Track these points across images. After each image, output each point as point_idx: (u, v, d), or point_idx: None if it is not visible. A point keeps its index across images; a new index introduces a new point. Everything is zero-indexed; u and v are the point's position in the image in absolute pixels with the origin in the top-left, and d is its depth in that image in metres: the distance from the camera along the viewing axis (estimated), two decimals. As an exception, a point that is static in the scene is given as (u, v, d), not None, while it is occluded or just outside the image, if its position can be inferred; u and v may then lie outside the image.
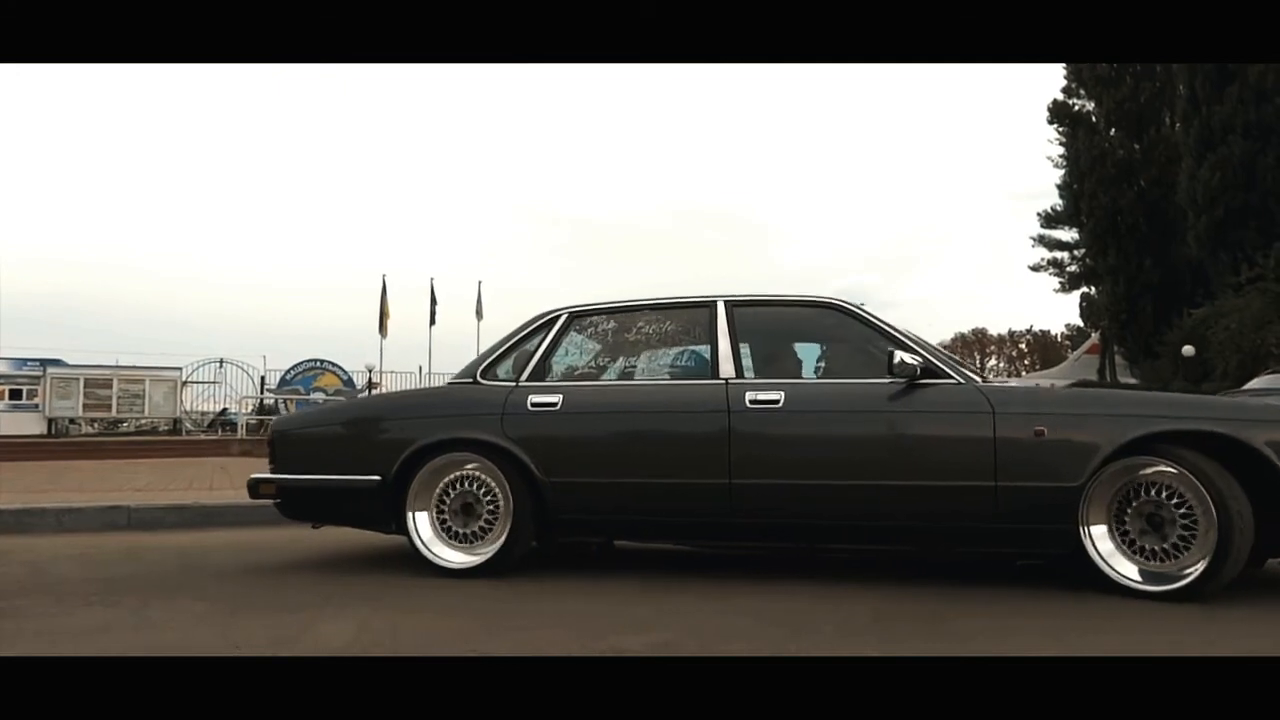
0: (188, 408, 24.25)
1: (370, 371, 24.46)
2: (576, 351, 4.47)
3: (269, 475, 4.53)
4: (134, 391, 23.01)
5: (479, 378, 4.38)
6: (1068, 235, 26.92)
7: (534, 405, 4.14)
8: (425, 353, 26.60)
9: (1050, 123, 25.37)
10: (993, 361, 75.21)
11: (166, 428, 23.27)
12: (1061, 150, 25.28)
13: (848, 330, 4.15)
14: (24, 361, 22.96)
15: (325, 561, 4.59)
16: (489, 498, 4.11)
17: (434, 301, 27.43)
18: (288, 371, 24.15)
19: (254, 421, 23.18)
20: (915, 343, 3.92)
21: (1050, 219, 27.14)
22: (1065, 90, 25.02)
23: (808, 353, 4.51)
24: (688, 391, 4.11)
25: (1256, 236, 17.60)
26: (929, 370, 3.76)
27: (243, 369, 24.54)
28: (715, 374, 4.03)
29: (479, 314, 27.79)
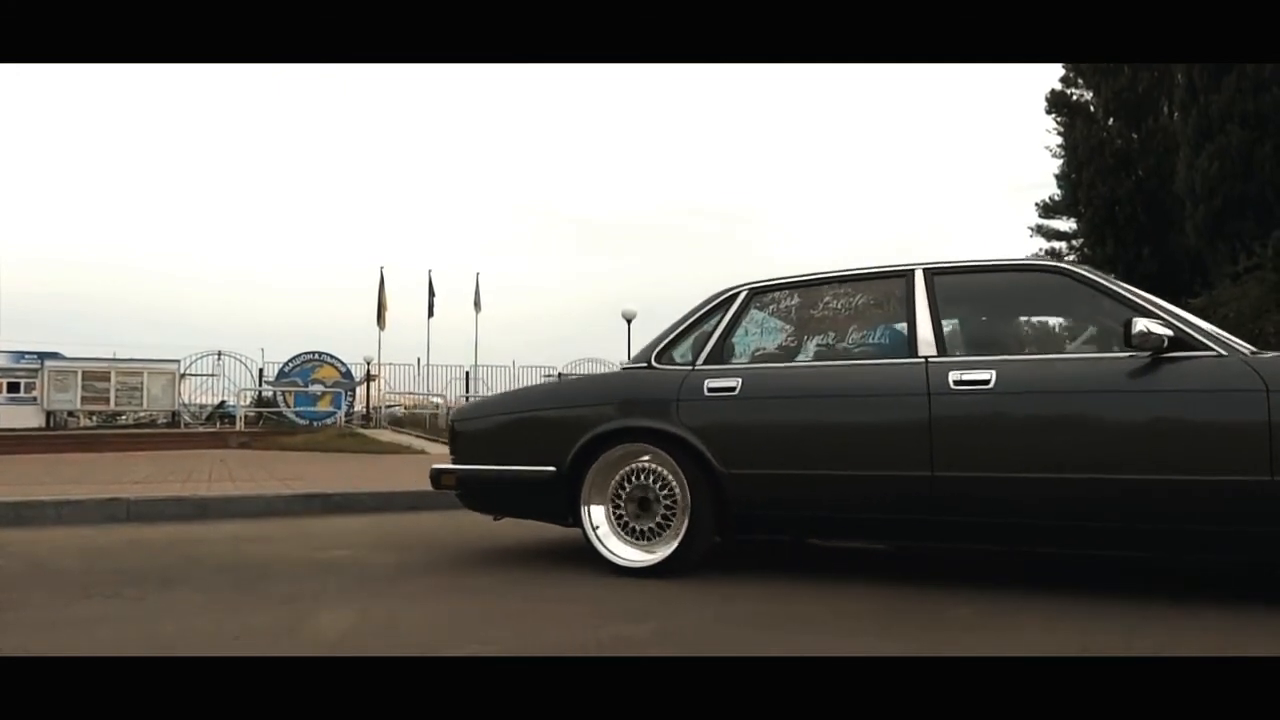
0: (186, 400, 24.24)
1: (369, 364, 24.49)
2: (757, 331, 4.11)
3: (449, 466, 4.45)
4: (132, 384, 23.00)
5: (654, 361, 4.13)
6: (1066, 225, 26.87)
7: (711, 390, 3.84)
8: (424, 345, 26.60)
9: (1048, 113, 25.34)
10: (991, 352, 75.19)
11: (165, 420, 23.27)
12: (1059, 140, 25.24)
13: (1073, 297, 3.64)
14: (22, 354, 22.95)
15: (325, 550, 4.59)
16: (665, 491, 3.84)
17: (432, 294, 27.39)
18: (286, 364, 24.12)
19: (252, 414, 23.18)
20: (1161, 309, 3.33)
21: (1048, 209, 27.07)
22: (1063, 80, 24.97)
23: (1022, 326, 3.98)
24: (881, 373, 3.66)
25: (1254, 226, 17.56)
26: (1181, 341, 3.16)
27: (241, 361, 24.56)
28: (913, 352, 3.59)
29: (477, 306, 27.77)
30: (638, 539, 3.89)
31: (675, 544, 3.77)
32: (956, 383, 3.43)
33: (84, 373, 22.75)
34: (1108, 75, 23.31)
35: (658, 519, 3.85)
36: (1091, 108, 24.11)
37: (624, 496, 3.94)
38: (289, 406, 23.76)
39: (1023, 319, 3.94)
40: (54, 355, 23.14)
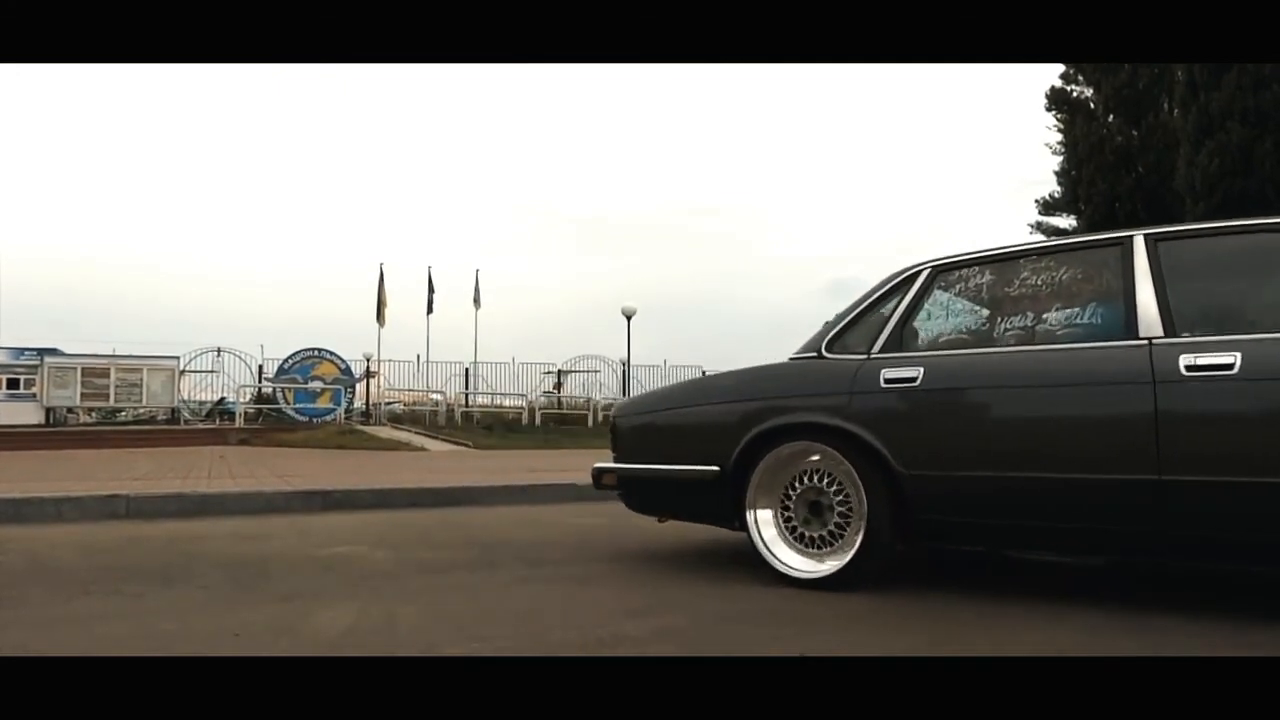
0: (185, 397, 24.27)
1: (368, 360, 24.49)
2: (942, 313, 3.66)
3: (610, 465, 4.26)
4: (131, 381, 23.02)
5: (824, 350, 3.76)
6: (1066, 222, 26.83)
7: (888, 381, 3.45)
8: (423, 342, 26.60)
9: (1048, 109, 25.33)
10: (991, 349, 75.27)
11: (164, 417, 23.29)
12: (1059, 137, 25.23)
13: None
14: (21, 351, 22.96)
15: (325, 548, 4.59)
16: (840, 495, 3.48)
17: (431, 291, 27.38)
18: (285, 360, 24.14)
19: (252, 410, 23.19)
20: None
21: (1048, 206, 27.04)
22: (1063, 77, 24.96)
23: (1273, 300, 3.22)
24: (1092, 358, 3.16)
25: (1254, 224, 17.60)
26: None
27: (240, 358, 24.56)
28: (1133, 332, 3.09)
29: (477, 303, 27.76)
30: (809, 546, 3.55)
31: (850, 554, 3.39)
32: (1189, 368, 2.92)
33: (83, 369, 22.77)
34: (1108, 72, 23.31)
35: (831, 525, 3.50)
36: (1092, 105, 24.12)
37: (794, 499, 3.61)
38: (289, 403, 23.77)
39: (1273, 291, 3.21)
40: (53, 352, 23.16)
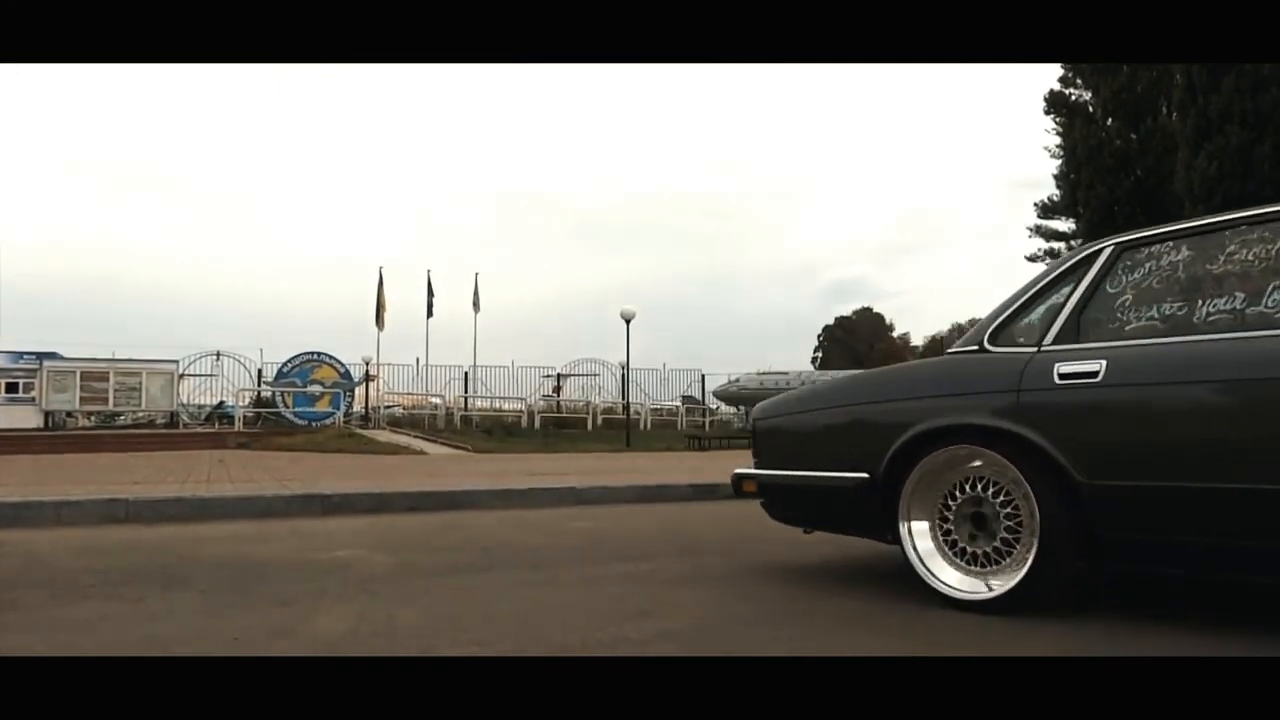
0: (185, 400, 24.26)
1: (368, 364, 24.49)
2: (1128, 298, 3.16)
3: (750, 471, 3.95)
4: (130, 384, 22.99)
5: (987, 343, 3.35)
6: (1065, 225, 26.90)
7: (1063, 376, 3.02)
8: (423, 345, 26.60)
9: (1047, 113, 25.40)
10: (990, 352, 75.30)
11: (163, 421, 23.27)
12: (1058, 140, 25.30)
13: None
14: (20, 355, 22.94)
15: (324, 551, 4.58)
16: (1008, 506, 3.08)
17: (430, 293, 27.40)
18: (284, 364, 24.15)
19: (251, 414, 23.18)
20: None
21: (1047, 209, 27.12)
22: (1062, 80, 25.02)
23: None
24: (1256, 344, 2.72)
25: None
26: None
27: (239, 361, 24.58)
28: None
29: (476, 306, 27.78)
30: (972, 564, 3.17)
31: (1020, 574, 2.98)
32: None
33: (82, 373, 22.74)
34: (1106, 75, 23.36)
35: (997, 541, 3.10)
36: (1090, 108, 24.18)
37: (953, 511, 3.23)
38: (288, 407, 23.77)
39: None
40: (52, 355, 23.13)
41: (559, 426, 23.58)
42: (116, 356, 23.75)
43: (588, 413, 25.32)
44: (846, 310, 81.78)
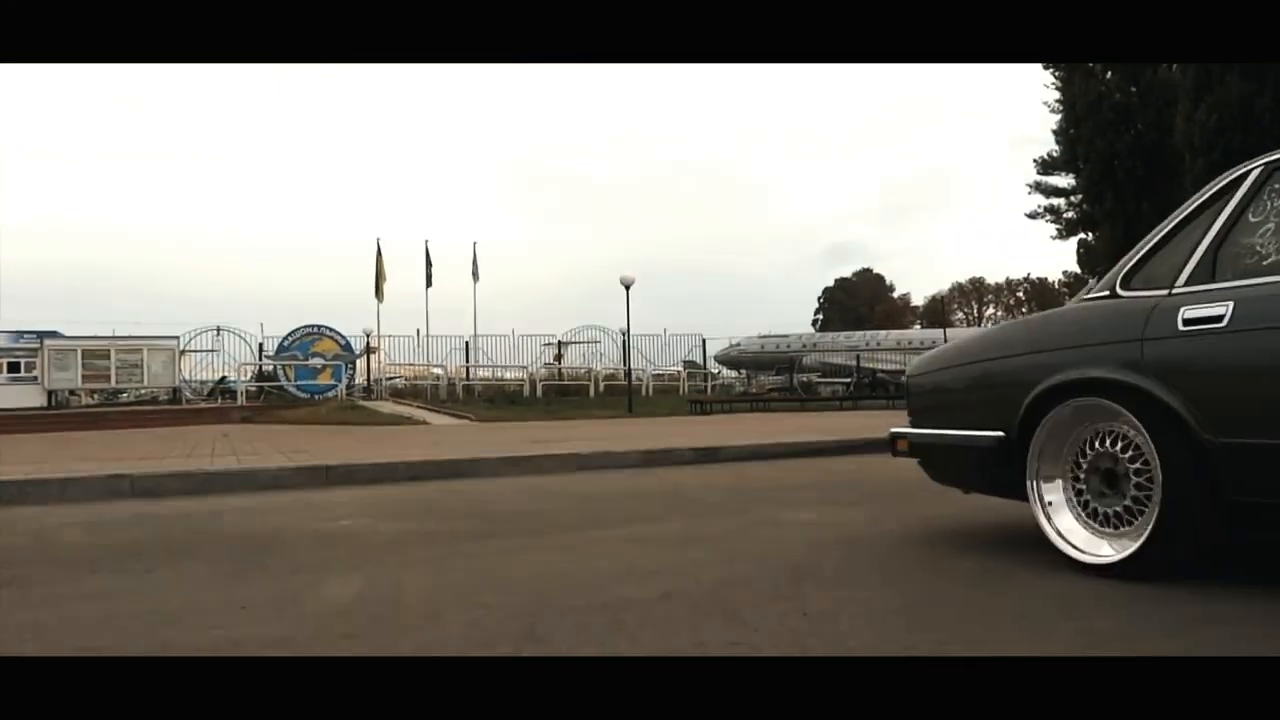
0: (186, 376, 24.28)
1: (368, 336, 24.48)
2: (1271, 227, 2.76)
3: (904, 429, 3.87)
4: (132, 361, 23.00)
5: (1118, 287, 3.10)
6: (1064, 181, 26.76)
7: (1187, 322, 2.74)
8: (423, 316, 26.59)
9: (1046, 67, 25.13)
10: (990, 310, 75.36)
11: (166, 397, 23.30)
12: (1058, 95, 25.07)
13: None
14: (20, 334, 22.94)
15: (330, 521, 4.61)
16: (1138, 463, 2.87)
17: (429, 264, 27.32)
18: (285, 338, 24.14)
19: (253, 389, 23.22)
20: None
21: (1047, 165, 26.96)
22: (1061, 34, 24.73)
23: None
24: None
25: (1253, 178, 17.54)
26: None
27: (240, 336, 24.56)
28: None
29: (475, 276, 27.72)
30: (1103, 525, 2.98)
31: (1142, 537, 2.80)
32: None
33: (84, 351, 22.75)
34: (1106, 28, 23.12)
35: (1128, 500, 2.90)
36: (1089, 63, 23.89)
37: (1084, 468, 3.06)
38: (290, 380, 23.80)
39: None
40: (53, 334, 23.14)
41: (561, 394, 23.62)
42: (117, 334, 23.76)
43: (590, 380, 25.34)
44: (846, 272, 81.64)
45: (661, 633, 2.39)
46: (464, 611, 2.67)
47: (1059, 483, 3.13)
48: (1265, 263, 2.71)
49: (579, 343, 27.53)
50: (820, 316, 76.76)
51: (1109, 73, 23.33)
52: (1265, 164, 2.86)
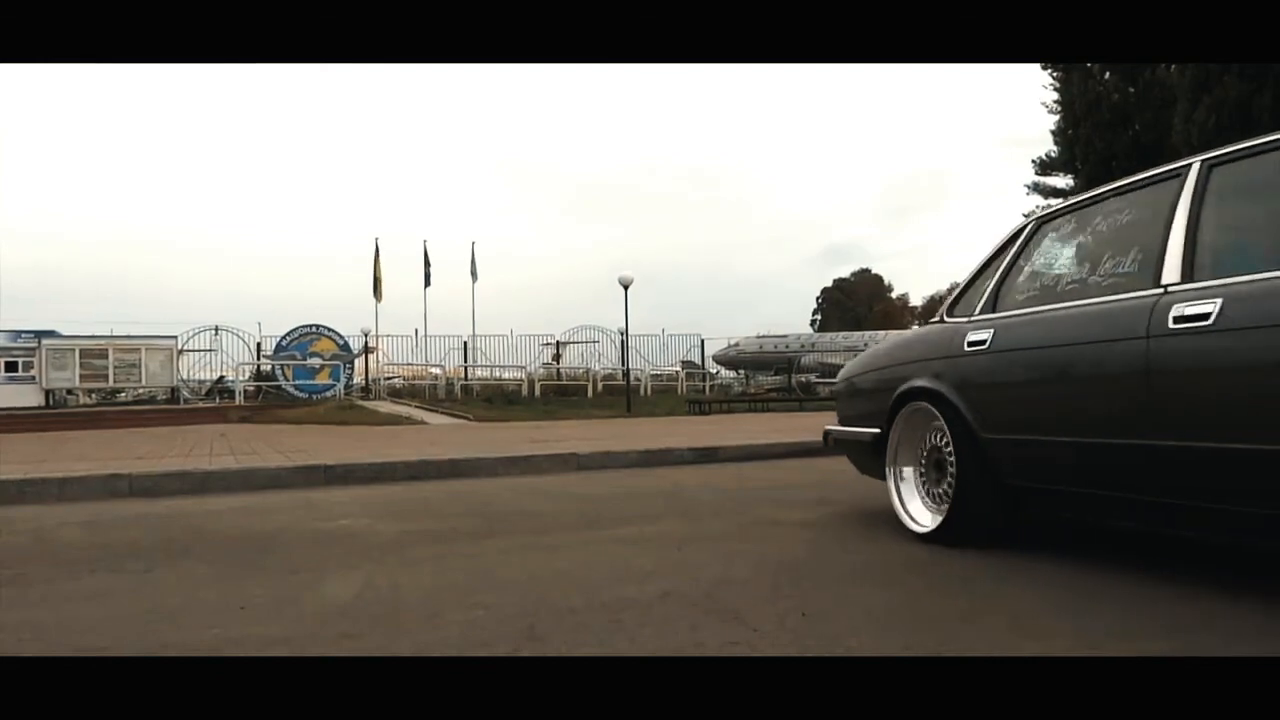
0: (184, 376, 24.28)
1: (366, 336, 24.48)
2: (1032, 270, 3.55)
3: (831, 427, 4.60)
4: (130, 361, 23.01)
5: (945, 314, 3.84)
6: (1062, 182, 26.73)
7: (969, 345, 3.48)
8: (421, 316, 26.58)
9: (1044, 67, 25.11)
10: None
11: (164, 396, 23.30)
12: (1056, 96, 25.06)
13: None
14: (18, 333, 22.93)
15: (328, 521, 4.61)
16: (953, 455, 3.52)
17: (428, 264, 27.35)
18: (283, 337, 24.14)
19: (251, 388, 23.21)
20: None
21: (1044, 165, 26.92)
22: (1059, 34, 24.72)
23: None
24: (1104, 314, 2.94)
25: (1252, 179, 17.55)
26: None
27: (238, 336, 24.56)
28: (1155, 280, 2.78)
29: (474, 275, 27.74)
30: (935, 503, 3.67)
31: (946, 512, 3.52)
32: (1176, 320, 2.60)
33: (81, 350, 22.76)
34: (1104, 29, 23.10)
35: (947, 483, 3.55)
36: (1087, 63, 23.87)
37: (924, 459, 3.76)
38: (288, 380, 23.79)
39: None
40: (51, 333, 23.14)
41: (559, 394, 23.62)
42: (114, 333, 23.74)
43: (588, 380, 25.35)
44: (845, 272, 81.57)
45: (660, 632, 2.39)
46: (463, 611, 2.67)
47: (911, 469, 3.83)
48: (1020, 299, 3.50)
49: (577, 343, 27.55)
50: (819, 317, 76.69)
51: (1107, 73, 23.30)
52: (1037, 220, 3.67)
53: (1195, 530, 2.81)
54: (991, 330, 3.43)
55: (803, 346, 42.71)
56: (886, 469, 3.89)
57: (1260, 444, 2.36)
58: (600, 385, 24.91)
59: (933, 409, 3.60)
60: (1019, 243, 3.62)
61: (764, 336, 45.77)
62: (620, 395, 20.64)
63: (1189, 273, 2.68)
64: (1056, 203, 3.63)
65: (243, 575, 3.35)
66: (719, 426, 12.20)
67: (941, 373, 3.58)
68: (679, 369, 28.67)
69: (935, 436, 3.64)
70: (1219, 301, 2.50)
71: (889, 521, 3.89)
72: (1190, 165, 2.90)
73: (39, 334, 22.92)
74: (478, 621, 2.55)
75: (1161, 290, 2.73)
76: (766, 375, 32.57)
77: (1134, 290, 2.86)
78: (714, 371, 32.00)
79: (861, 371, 4.41)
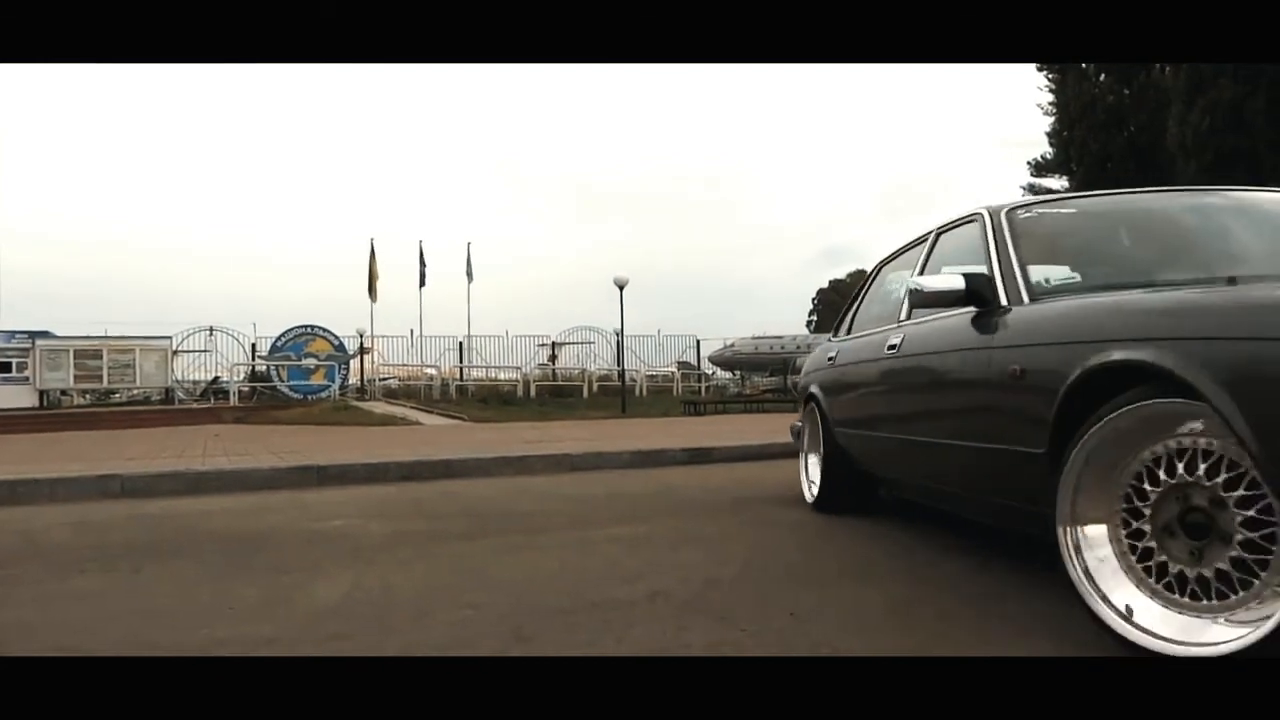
0: (179, 376, 24.23)
1: (362, 336, 24.44)
2: (868, 302, 4.63)
3: (795, 422, 5.32)
4: (124, 361, 22.96)
5: (831, 335, 4.98)
6: (1058, 183, 26.78)
7: (828, 358, 4.63)
8: (416, 317, 26.57)
9: (1039, 69, 25.17)
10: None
11: (159, 397, 23.26)
12: (1051, 98, 25.11)
13: (978, 246, 3.19)
14: (12, 334, 22.87)
15: (321, 521, 4.60)
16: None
17: (423, 264, 27.35)
18: (278, 338, 24.10)
19: (246, 389, 23.16)
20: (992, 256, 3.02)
21: (1040, 167, 26.96)
22: (1054, 36, 24.76)
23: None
24: (873, 339, 3.97)
25: (1246, 180, 17.55)
26: (973, 294, 2.89)
27: (233, 337, 24.53)
28: (897, 317, 3.78)
29: (469, 276, 27.75)
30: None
31: (818, 487, 4.59)
32: (889, 347, 3.68)
33: (76, 351, 22.71)
34: (1099, 31, 23.16)
35: (820, 465, 4.64)
36: (1083, 64, 23.94)
37: (820, 446, 4.63)
38: (283, 381, 23.75)
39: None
40: (45, 334, 23.08)
41: (555, 395, 23.61)
42: (109, 334, 23.69)
43: (583, 380, 25.34)
44: (840, 274, 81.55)
45: (648, 632, 2.39)
46: (452, 611, 2.67)
47: (815, 456, 4.74)
48: (858, 324, 4.57)
49: (573, 343, 27.55)
50: (814, 318, 76.55)
51: (1102, 75, 23.37)
52: (879, 263, 4.67)
53: (970, 514, 3.32)
54: (838, 349, 4.54)
55: (798, 347, 42.68)
56: (800, 455, 5.00)
57: (929, 437, 3.22)
58: (596, 386, 24.90)
59: (815, 407, 4.66)
60: (869, 280, 4.75)
61: (760, 337, 45.77)
62: (615, 396, 20.64)
63: (909, 313, 3.65)
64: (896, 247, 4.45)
65: (233, 575, 3.34)
66: (713, 427, 12.20)
67: (818, 379, 4.73)
68: (675, 370, 28.67)
69: (820, 428, 4.64)
70: (903, 334, 3.56)
71: (882, 525, 3.90)
72: (931, 232, 3.88)
73: (33, 334, 22.86)
74: (466, 621, 2.55)
75: (896, 324, 3.74)
76: (762, 376, 32.59)
77: (891, 322, 3.84)
78: (710, 372, 31.99)
79: (798, 377, 5.53)
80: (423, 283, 27.28)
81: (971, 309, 2.91)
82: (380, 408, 18.49)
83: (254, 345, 24.51)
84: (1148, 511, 1.99)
